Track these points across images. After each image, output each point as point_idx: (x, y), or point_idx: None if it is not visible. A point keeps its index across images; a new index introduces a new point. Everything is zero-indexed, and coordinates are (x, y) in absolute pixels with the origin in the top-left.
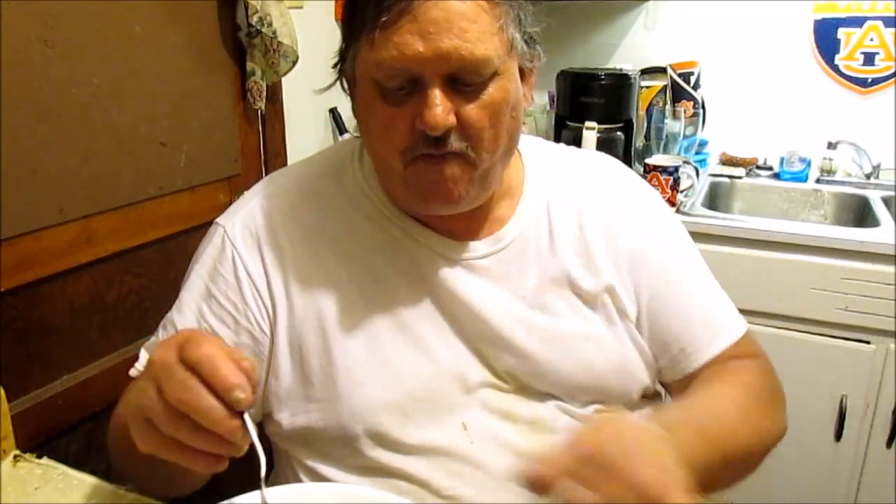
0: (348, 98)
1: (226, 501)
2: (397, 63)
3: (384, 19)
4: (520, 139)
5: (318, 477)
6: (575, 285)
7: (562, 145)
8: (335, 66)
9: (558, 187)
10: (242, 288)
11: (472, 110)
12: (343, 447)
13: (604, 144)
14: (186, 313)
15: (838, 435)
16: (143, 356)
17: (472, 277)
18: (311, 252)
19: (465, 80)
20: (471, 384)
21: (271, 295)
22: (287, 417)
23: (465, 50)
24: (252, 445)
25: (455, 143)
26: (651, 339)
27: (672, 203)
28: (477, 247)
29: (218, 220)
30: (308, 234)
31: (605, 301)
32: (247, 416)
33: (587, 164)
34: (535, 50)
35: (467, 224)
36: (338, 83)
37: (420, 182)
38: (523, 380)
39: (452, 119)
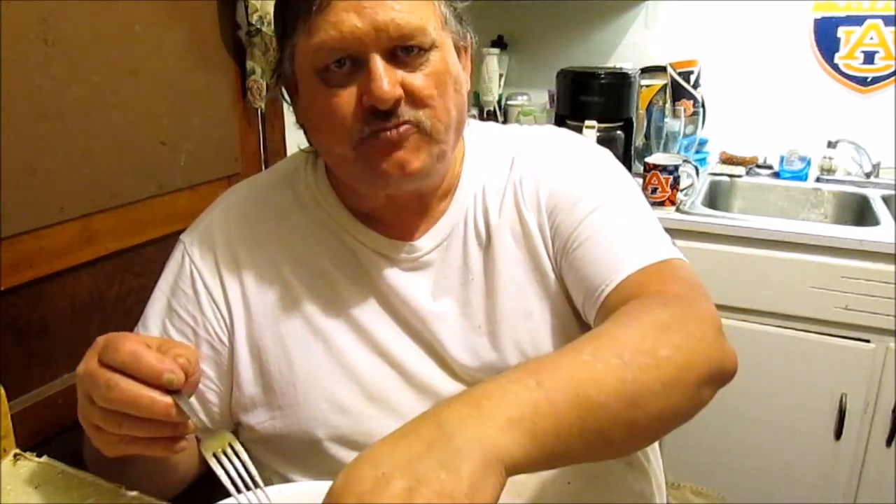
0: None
1: (225, 501)
2: (337, 42)
3: (317, 3)
4: (466, 122)
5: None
6: (515, 259)
7: (514, 125)
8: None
9: (493, 168)
10: (200, 301)
11: (417, 78)
12: (309, 452)
13: (604, 143)
14: (151, 329)
15: (838, 434)
16: None
17: (419, 278)
18: (266, 260)
19: (406, 47)
20: (428, 381)
21: (228, 305)
22: (255, 425)
23: (401, 19)
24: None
25: (406, 114)
26: (568, 281)
27: (672, 202)
28: (420, 245)
29: (181, 235)
30: (262, 242)
31: (545, 267)
32: (183, 397)
33: (526, 135)
34: (465, 29)
35: (415, 220)
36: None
37: (373, 156)
38: (477, 376)
39: (399, 90)
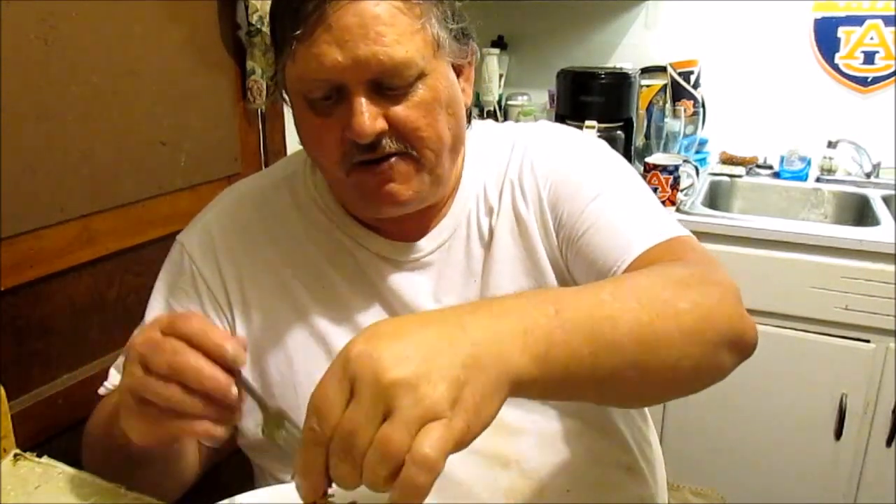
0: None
1: (225, 501)
2: (317, 75)
3: (300, 31)
4: (465, 133)
5: None
6: (514, 258)
7: (509, 123)
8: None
9: (492, 166)
10: (202, 300)
11: (401, 111)
12: None
13: None
14: None
15: (838, 434)
16: (113, 375)
17: (421, 278)
18: (266, 263)
19: (388, 84)
20: None
21: (230, 305)
22: (252, 428)
23: (383, 55)
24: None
25: (391, 146)
26: (576, 270)
27: (672, 202)
28: (422, 246)
29: (178, 236)
30: (262, 245)
31: (543, 265)
32: (238, 382)
33: (521, 131)
34: (467, 45)
35: (416, 225)
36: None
37: (364, 187)
38: None
39: (381, 124)
